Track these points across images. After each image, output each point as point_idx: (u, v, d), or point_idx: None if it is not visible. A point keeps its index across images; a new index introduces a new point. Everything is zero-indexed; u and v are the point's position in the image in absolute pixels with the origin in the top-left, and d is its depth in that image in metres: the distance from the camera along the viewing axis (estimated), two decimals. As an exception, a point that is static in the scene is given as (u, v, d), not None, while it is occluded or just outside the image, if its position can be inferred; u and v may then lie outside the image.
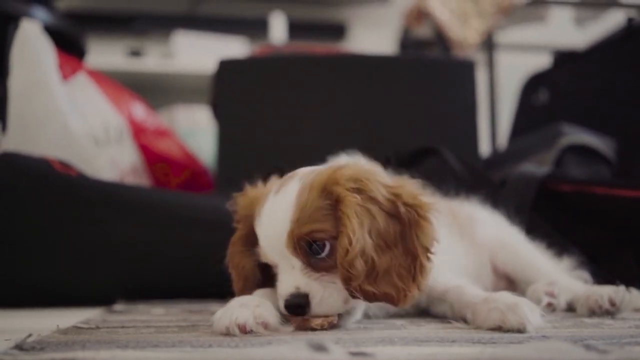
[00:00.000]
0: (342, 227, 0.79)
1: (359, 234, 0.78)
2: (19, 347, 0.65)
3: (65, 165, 1.44)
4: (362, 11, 3.97)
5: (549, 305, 1.00)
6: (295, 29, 3.67)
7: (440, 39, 3.00)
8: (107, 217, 1.37)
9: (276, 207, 0.82)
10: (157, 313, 1.09)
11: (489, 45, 3.12)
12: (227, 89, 1.76)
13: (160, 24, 3.69)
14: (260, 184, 0.92)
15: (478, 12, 2.92)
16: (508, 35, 3.40)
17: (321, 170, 0.85)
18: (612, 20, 2.89)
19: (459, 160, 1.45)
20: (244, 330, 0.75)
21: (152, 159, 1.82)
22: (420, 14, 3.10)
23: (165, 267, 1.38)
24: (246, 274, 0.91)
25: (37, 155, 1.41)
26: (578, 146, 1.76)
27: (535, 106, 2.46)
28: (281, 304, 0.81)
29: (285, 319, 0.81)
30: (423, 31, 3.24)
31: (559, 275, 1.09)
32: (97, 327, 0.85)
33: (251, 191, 0.91)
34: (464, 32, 2.91)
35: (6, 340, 0.73)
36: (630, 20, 2.19)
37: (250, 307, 0.78)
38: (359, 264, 0.77)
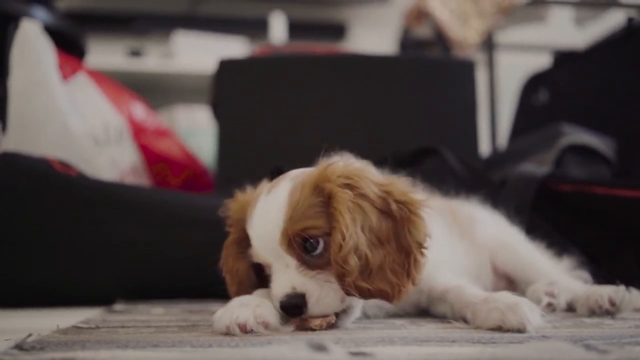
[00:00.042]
0: (335, 223, 0.79)
1: (352, 230, 0.78)
2: (19, 347, 0.65)
3: (65, 165, 1.44)
4: (362, 11, 3.97)
5: (549, 305, 1.00)
6: (295, 29, 3.67)
7: (440, 39, 3.00)
8: (107, 217, 1.37)
9: (268, 207, 0.83)
10: (157, 313, 1.09)
11: (489, 45, 3.12)
12: (227, 89, 1.76)
13: (160, 24, 3.69)
14: (250, 188, 0.93)
15: (478, 12, 2.92)
16: (508, 35, 3.40)
17: (312, 170, 0.85)
18: (612, 20, 2.89)
19: (459, 160, 1.45)
20: (244, 330, 0.75)
21: (152, 159, 1.82)
22: (420, 14, 3.10)
23: (165, 267, 1.38)
24: (240, 277, 0.91)
25: (37, 155, 1.41)
26: (578, 146, 1.76)
27: (535, 106, 2.46)
28: (276, 305, 0.80)
29: (285, 319, 0.81)
30: (423, 31, 3.24)
31: (559, 275, 1.09)
32: (97, 327, 0.85)
33: (242, 195, 0.92)
34: (464, 32, 2.91)
35: (6, 340, 0.73)
36: (630, 20, 2.19)
37: (250, 307, 0.78)
38: (353, 260, 0.77)
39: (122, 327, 0.86)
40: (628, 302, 0.94)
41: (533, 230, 1.18)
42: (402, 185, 0.85)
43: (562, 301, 1.02)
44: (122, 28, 3.67)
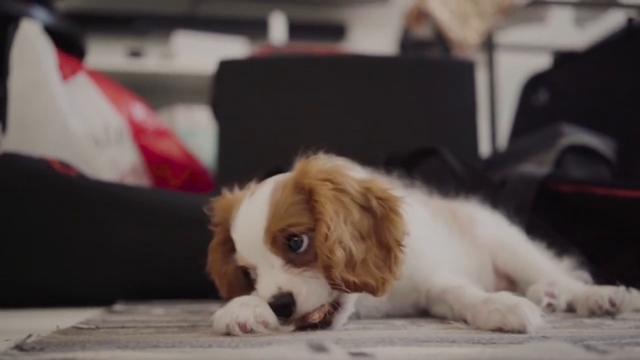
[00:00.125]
0: (319, 214, 0.79)
1: (335, 221, 0.79)
2: (19, 347, 0.65)
3: (65, 165, 1.44)
4: (362, 11, 3.97)
5: (549, 305, 1.00)
6: (295, 29, 3.67)
7: (440, 40, 3.00)
8: (107, 217, 1.37)
9: (251, 208, 0.83)
10: (157, 313, 1.09)
11: (489, 45, 3.12)
12: (227, 89, 1.76)
13: (160, 24, 3.69)
14: (237, 189, 0.93)
15: (478, 13, 2.92)
16: (508, 36, 3.40)
17: (293, 171, 0.86)
18: (612, 21, 2.89)
19: (459, 160, 1.45)
20: (244, 329, 0.75)
21: (152, 159, 1.82)
22: (420, 14, 3.10)
23: (165, 267, 1.38)
24: (229, 279, 0.92)
25: (37, 156, 1.41)
26: (578, 146, 1.76)
27: (535, 106, 2.46)
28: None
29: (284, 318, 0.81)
30: (423, 31, 3.24)
31: (559, 275, 1.09)
32: (97, 328, 0.85)
33: (228, 195, 0.92)
34: (464, 33, 2.91)
35: (6, 340, 0.73)
36: (630, 20, 2.19)
37: (250, 307, 0.78)
38: (339, 251, 0.78)
39: (122, 327, 0.86)
40: (628, 302, 0.94)
41: (533, 230, 1.18)
42: (381, 182, 0.86)
43: (562, 301, 1.02)
44: (122, 28, 3.67)
